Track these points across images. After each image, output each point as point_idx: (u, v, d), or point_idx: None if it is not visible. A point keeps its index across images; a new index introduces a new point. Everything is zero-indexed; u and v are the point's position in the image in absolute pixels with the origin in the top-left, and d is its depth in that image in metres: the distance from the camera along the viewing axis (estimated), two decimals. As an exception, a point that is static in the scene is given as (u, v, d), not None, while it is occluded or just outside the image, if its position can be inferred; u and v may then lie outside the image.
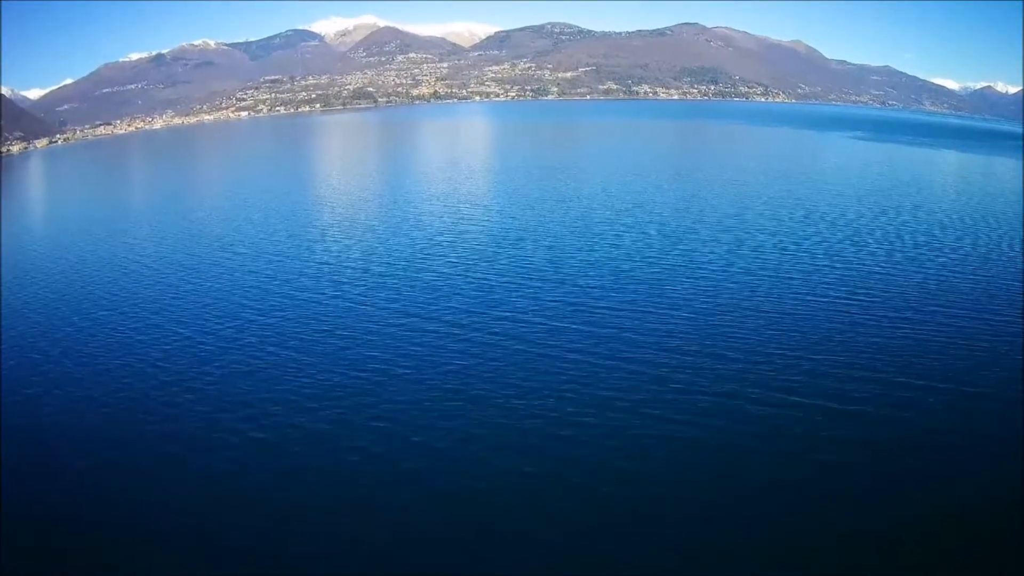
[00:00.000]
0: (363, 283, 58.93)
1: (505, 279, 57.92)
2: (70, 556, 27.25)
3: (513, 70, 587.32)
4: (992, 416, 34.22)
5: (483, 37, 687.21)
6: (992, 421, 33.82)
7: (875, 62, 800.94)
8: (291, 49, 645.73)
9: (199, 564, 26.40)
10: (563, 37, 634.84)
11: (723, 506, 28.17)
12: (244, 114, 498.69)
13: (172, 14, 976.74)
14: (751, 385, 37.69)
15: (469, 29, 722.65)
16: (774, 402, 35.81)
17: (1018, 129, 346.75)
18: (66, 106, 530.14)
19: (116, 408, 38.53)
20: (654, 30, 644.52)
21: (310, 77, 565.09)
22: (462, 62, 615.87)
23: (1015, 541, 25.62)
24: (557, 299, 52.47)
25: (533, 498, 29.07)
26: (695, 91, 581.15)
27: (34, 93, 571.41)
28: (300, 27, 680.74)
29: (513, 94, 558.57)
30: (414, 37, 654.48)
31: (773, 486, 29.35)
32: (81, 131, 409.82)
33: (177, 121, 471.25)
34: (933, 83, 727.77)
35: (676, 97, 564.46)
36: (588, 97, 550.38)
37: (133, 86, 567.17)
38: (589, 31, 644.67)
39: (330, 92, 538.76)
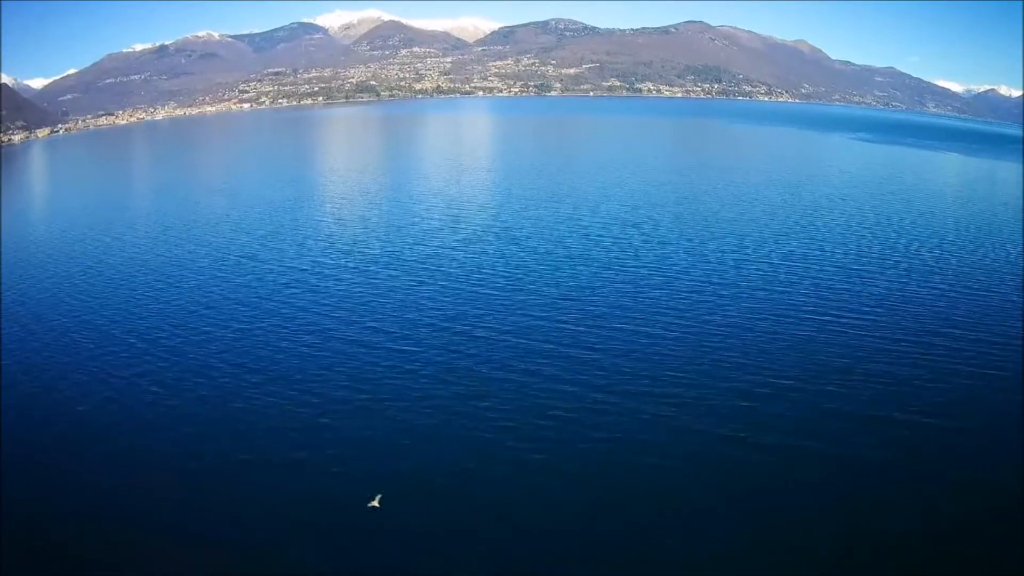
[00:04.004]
0: (373, 283, 58.98)
1: (504, 281, 58.01)
2: (70, 554, 27.31)
3: (517, 66, 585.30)
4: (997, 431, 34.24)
5: (487, 32, 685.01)
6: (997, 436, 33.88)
7: (879, 63, 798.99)
8: (295, 42, 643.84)
9: (199, 561, 26.50)
10: (567, 33, 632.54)
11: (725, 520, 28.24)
12: (246, 106, 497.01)
13: (176, 6, 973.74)
14: (744, 394, 37.77)
15: (474, 24, 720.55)
16: (770, 415, 35.84)
17: (1020, 132, 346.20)
18: (69, 96, 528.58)
19: (115, 402, 38.59)
20: (658, 28, 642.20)
21: (313, 70, 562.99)
22: (465, 57, 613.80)
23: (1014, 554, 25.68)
24: (552, 298, 52.61)
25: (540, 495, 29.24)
26: (698, 89, 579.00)
27: (37, 83, 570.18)
28: (304, 20, 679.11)
29: (516, 90, 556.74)
30: (418, 31, 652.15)
31: (773, 496, 29.43)
32: (83, 121, 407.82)
33: (179, 112, 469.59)
34: (937, 85, 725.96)
35: (679, 95, 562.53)
36: (591, 94, 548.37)
37: (136, 77, 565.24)
38: (594, 28, 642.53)
39: (333, 85, 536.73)
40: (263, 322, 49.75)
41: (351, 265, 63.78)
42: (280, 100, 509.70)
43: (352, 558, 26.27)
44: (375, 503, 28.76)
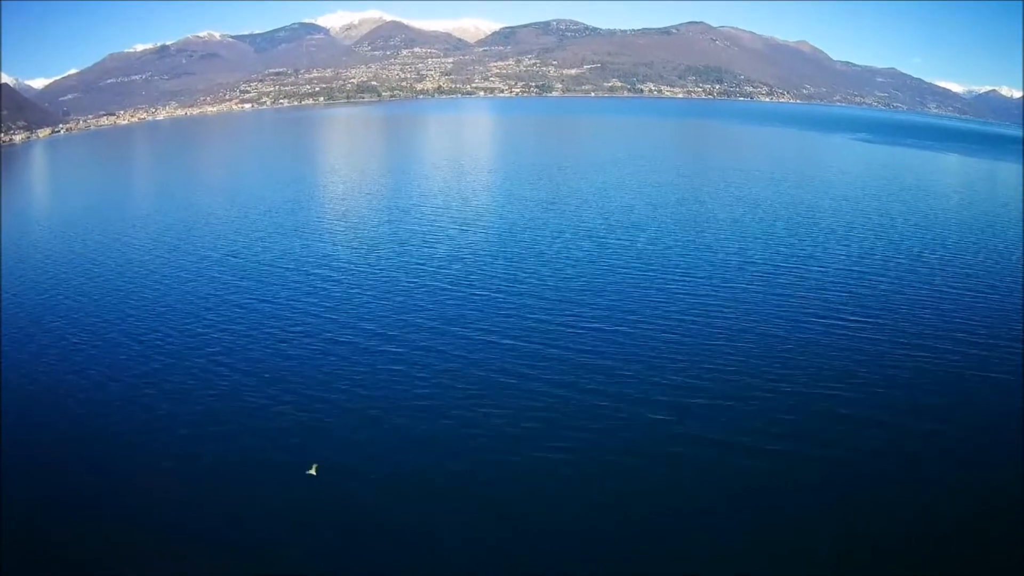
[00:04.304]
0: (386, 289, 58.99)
1: (507, 287, 58.03)
2: (70, 554, 27.32)
3: (518, 66, 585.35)
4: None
5: (488, 33, 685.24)
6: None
7: (880, 64, 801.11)
8: (296, 42, 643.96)
9: (199, 561, 26.51)
10: (568, 34, 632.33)
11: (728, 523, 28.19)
12: (248, 106, 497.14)
13: (177, 6, 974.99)
14: (739, 401, 37.72)
15: (475, 24, 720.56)
16: (766, 424, 35.78)
17: (1020, 133, 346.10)
18: (70, 96, 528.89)
19: (114, 404, 38.59)
20: (660, 28, 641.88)
21: (314, 70, 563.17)
22: (467, 57, 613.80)
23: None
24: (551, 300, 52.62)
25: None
26: (700, 90, 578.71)
27: (39, 83, 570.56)
28: (305, 20, 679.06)
29: (517, 90, 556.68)
30: (419, 32, 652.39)
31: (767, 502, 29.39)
32: (84, 121, 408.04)
33: (180, 112, 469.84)
34: (938, 86, 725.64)
35: (681, 96, 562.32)
36: (592, 94, 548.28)
37: (137, 77, 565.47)
38: (595, 28, 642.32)
39: (334, 85, 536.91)
40: (261, 325, 49.67)
41: (351, 267, 63.70)
42: (281, 100, 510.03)
43: (352, 559, 26.28)
44: (312, 471, 30.30)
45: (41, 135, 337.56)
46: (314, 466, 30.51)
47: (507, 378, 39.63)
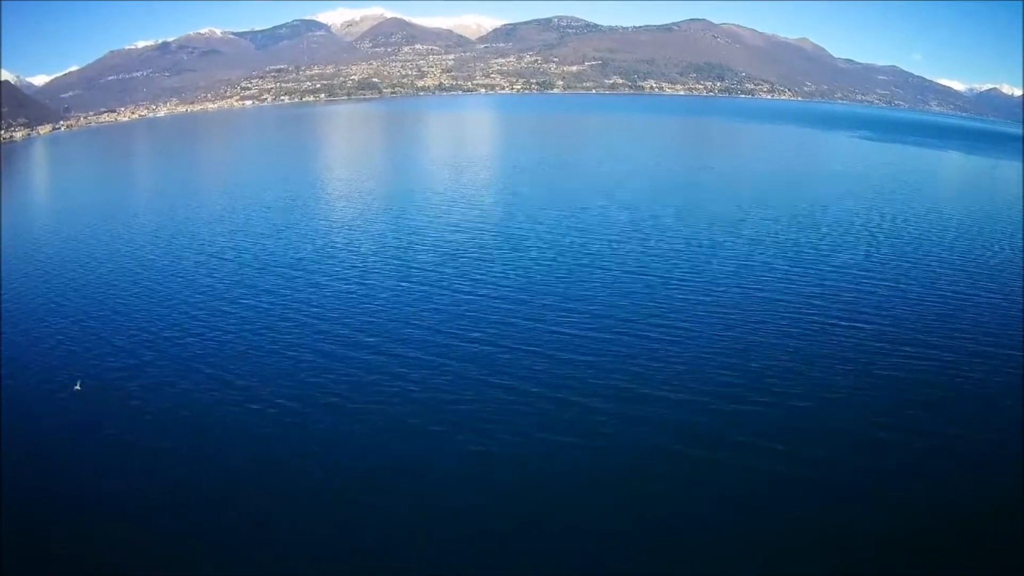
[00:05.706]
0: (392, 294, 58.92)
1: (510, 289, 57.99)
2: (70, 553, 27.41)
3: (519, 63, 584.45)
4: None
5: (490, 30, 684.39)
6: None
7: (882, 62, 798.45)
8: (297, 39, 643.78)
9: (198, 561, 26.61)
10: (570, 31, 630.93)
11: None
12: (248, 103, 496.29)
13: (179, 3, 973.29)
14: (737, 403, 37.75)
15: (476, 21, 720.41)
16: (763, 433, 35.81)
17: (1021, 131, 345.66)
18: (71, 93, 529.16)
19: (115, 401, 38.66)
20: (661, 25, 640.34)
21: (315, 67, 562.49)
22: (468, 54, 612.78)
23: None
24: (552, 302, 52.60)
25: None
26: (701, 87, 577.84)
27: (39, 80, 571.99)
28: (307, 17, 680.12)
29: (518, 87, 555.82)
30: (420, 28, 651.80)
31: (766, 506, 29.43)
32: (85, 118, 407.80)
33: (181, 109, 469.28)
34: (940, 84, 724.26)
35: (682, 93, 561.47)
36: (594, 91, 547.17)
37: (138, 74, 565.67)
38: (596, 25, 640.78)
39: (335, 82, 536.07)
40: (258, 327, 49.61)
41: (347, 270, 63.49)
42: (282, 97, 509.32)
43: (352, 560, 26.35)
44: (77, 387, 37.30)
45: (42, 132, 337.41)
46: (78, 382, 38.19)
47: (504, 386, 39.56)
